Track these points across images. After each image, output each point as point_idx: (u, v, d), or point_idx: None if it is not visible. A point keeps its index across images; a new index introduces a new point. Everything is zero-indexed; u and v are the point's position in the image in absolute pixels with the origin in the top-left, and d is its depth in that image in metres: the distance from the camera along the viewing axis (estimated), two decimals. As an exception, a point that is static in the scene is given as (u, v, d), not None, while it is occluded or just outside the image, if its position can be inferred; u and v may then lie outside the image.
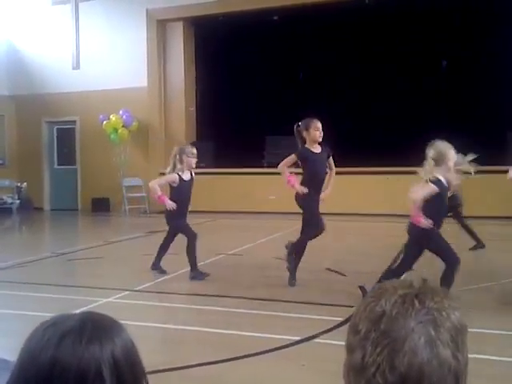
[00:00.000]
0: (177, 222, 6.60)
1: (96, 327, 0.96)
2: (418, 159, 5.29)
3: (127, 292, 6.01)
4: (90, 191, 14.77)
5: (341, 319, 4.59)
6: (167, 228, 6.85)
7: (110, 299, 5.68)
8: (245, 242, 8.21)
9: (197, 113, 14.99)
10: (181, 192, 6.54)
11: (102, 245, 9.31)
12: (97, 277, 6.83)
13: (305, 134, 6.03)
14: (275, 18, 13.80)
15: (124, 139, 13.99)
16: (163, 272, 6.73)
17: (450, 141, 5.36)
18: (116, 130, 13.85)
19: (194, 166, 6.65)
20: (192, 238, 6.57)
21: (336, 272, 6.80)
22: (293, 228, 8.58)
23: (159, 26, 14.41)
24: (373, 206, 12.09)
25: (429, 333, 0.78)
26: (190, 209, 6.84)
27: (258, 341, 4.42)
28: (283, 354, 4.13)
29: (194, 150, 6.60)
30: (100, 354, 0.93)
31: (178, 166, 6.50)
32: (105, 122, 13.94)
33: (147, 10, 14.23)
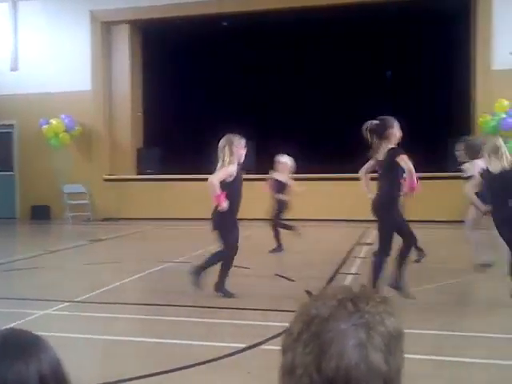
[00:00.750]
0: (232, 228, 5.75)
1: (19, 345, 0.91)
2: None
3: (67, 303, 5.74)
4: (29, 198, 14.22)
5: (288, 325, 4.51)
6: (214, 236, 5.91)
7: (48, 311, 5.40)
8: (193, 249, 8.04)
9: (144, 118, 14.72)
10: (235, 188, 5.63)
11: (41, 254, 8.92)
12: (35, 288, 6.52)
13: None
14: (224, 23, 13.75)
15: (65, 144, 13.54)
16: (231, 295, 5.77)
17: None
18: (57, 134, 13.39)
19: (242, 158, 5.80)
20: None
21: (284, 278, 6.74)
22: (244, 233, 8.50)
23: (104, 28, 14.08)
24: (325, 212, 12.14)
25: (359, 336, 0.76)
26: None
27: (204, 350, 4.30)
28: (229, 363, 4.04)
29: (244, 141, 5.81)
30: (26, 372, 0.88)
31: (228, 158, 5.59)
32: (45, 127, 13.46)
33: (91, 12, 13.89)
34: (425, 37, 12.41)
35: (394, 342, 0.78)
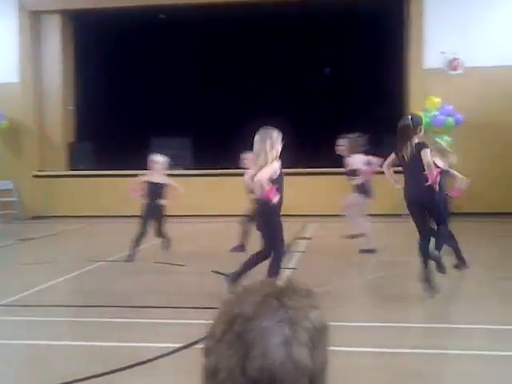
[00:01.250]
0: (280, 225, 5.44)
1: None
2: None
3: (-5, 306, 5.44)
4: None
5: (209, 326, 4.40)
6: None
7: (-31, 315, 5.08)
8: (126, 247, 7.77)
9: (76, 112, 14.19)
10: (280, 184, 5.33)
11: (-36, 254, 8.43)
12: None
13: None
14: (162, 16, 13.46)
15: (-8, 138, 12.87)
16: None
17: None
18: (-18, 128, 12.71)
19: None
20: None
21: (223, 274, 6.62)
22: (175, 232, 8.35)
23: (32, 17, 13.44)
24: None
25: (284, 333, 0.74)
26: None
27: (139, 351, 4.18)
28: (163, 363, 3.93)
29: (281, 135, 5.48)
30: None
31: (271, 154, 5.28)
32: (-31, 120, 12.73)
33: (19, 0, 13.24)
34: (360, 35, 12.61)
35: (318, 336, 0.76)
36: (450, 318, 5.15)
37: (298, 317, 0.75)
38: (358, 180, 7.56)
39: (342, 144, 7.83)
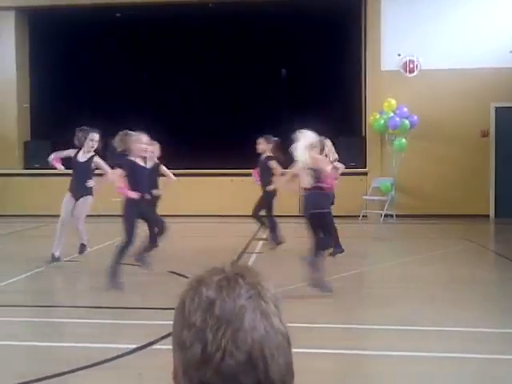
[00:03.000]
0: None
1: None
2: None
3: None
4: None
5: (176, 321, 4.40)
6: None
7: None
8: (77, 246, 7.63)
9: (32, 109, 13.90)
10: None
11: None
12: None
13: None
14: (118, 14, 13.32)
15: None
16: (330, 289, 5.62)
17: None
18: None
19: None
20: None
21: (178, 274, 6.62)
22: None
23: (-13, 14, 13.12)
24: (218, 208, 12.13)
25: (259, 306, 0.81)
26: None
27: (92, 352, 4.14)
28: (120, 364, 3.92)
29: None
30: None
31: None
32: None
33: (-28, -5, 12.89)
34: (318, 36, 12.72)
35: (279, 306, 0.85)
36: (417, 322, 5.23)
37: (263, 291, 0.83)
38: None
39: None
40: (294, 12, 12.46)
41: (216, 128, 12.68)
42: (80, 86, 13.20)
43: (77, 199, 7.25)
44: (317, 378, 3.56)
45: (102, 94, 13.14)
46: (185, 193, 11.55)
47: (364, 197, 12.06)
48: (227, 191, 12.29)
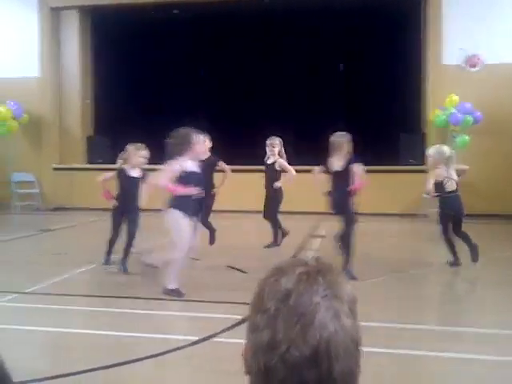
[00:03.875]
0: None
1: None
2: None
3: (16, 295, 5.61)
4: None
5: (240, 317, 4.49)
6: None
7: (-4, 302, 5.23)
8: (144, 240, 7.84)
9: (94, 106, 14.37)
10: None
11: (-13, 244, 8.62)
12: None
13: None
14: (175, 11, 13.55)
15: (13, 132, 13.07)
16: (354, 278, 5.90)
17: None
18: (4, 121, 12.91)
19: None
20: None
21: (237, 269, 6.71)
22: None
23: (53, 13, 13.63)
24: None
25: (333, 306, 0.83)
26: None
27: (155, 342, 4.25)
28: (181, 355, 4.00)
29: None
30: None
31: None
32: (-9, 114, 12.92)
33: (40, -4, 13.42)
34: (378, 32, 12.52)
35: (354, 308, 0.87)
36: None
37: (339, 291, 0.86)
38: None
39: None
40: (351, 6, 12.31)
41: (270, 123, 12.71)
42: (140, 83, 13.49)
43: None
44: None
45: (162, 90, 13.39)
46: (243, 188, 11.55)
47: (424, 195, 11.77)
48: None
